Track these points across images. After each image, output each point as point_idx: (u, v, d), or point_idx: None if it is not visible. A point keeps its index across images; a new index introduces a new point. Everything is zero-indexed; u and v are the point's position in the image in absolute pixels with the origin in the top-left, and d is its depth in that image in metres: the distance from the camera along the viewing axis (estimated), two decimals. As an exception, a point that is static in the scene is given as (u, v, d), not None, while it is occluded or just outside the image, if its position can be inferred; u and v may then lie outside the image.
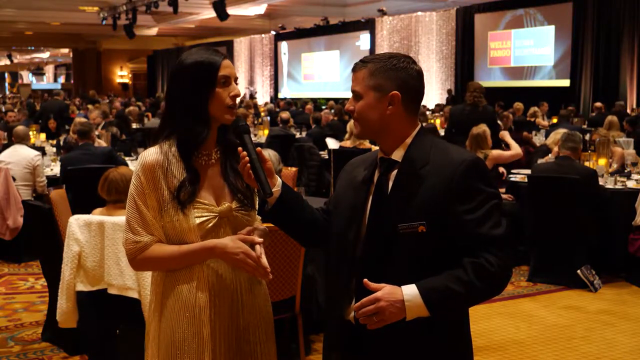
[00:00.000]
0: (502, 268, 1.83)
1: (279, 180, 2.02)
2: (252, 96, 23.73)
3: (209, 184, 2.07)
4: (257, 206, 2.14)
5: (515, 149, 6.60)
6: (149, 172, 2.02)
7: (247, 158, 1.97)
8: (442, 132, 11.16)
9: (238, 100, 2.13)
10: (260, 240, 2.01)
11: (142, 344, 2.16)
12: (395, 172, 1.94)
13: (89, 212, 3.77)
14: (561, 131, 7.16)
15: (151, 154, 2.05)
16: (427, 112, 14.20)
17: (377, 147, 2.03)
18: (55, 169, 7.25)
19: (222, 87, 2.03)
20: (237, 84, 2.08)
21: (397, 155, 1.95)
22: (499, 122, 8.51)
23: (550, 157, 6.54)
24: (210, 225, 2.03)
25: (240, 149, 1.99)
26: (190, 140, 2.03)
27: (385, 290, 1.80)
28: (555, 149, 6.30)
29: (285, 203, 2.01)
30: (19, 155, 6.58)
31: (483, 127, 6.51)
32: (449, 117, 8.70)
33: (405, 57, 1.95)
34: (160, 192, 2.01)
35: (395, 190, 1.92)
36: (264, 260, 1.98)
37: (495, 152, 6.38)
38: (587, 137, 9.73)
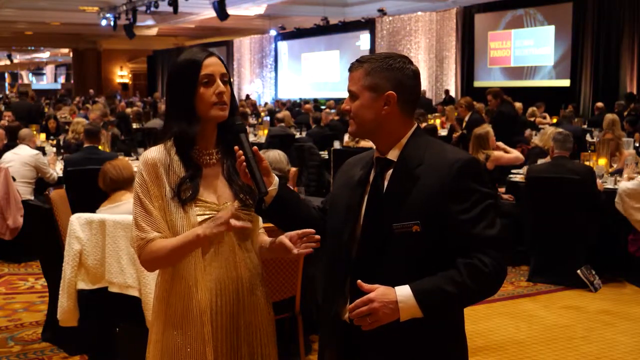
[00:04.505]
0: (496, 269, 1.82)
1: (275, 179, 2.02)
2: (247, 97, 23.69)
3: (211, 183, 2.08)
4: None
5: (515, 152, 6.60)
6: (151, 168, 2.03)
7: (242, 157, 1.97)
8: (444, 132, 11.18)
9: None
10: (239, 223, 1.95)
11: (141, 342, 2.16)
12: (390, 171, 1.94)
13: (88, 212, 3.78)
14: (550, 129, 7.18)
15: (152, 151, 2.07)
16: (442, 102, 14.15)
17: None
18: (55, 169, 7.23)
19: (205, 86, 2.03)
20: (225, 80, 2.06)
21: (393, 155, 1.95)
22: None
23: (549, 158, 6.53)
24: None
25: (236, 147, 2.00)
26: (184, 139, 2.04)
27: (378, 292, 1.79)
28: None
29: (282, 202, 2.02)
30: (19, 155, 6.70)
31: (487, 128, 6.50)
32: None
33: (401, 57, 1.95)
34: (163, 189, 2.02)
35: (390, 190, 1.91)
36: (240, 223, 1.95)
37: (497, 154, 6.37)
38: (588, 137, 9.73)
